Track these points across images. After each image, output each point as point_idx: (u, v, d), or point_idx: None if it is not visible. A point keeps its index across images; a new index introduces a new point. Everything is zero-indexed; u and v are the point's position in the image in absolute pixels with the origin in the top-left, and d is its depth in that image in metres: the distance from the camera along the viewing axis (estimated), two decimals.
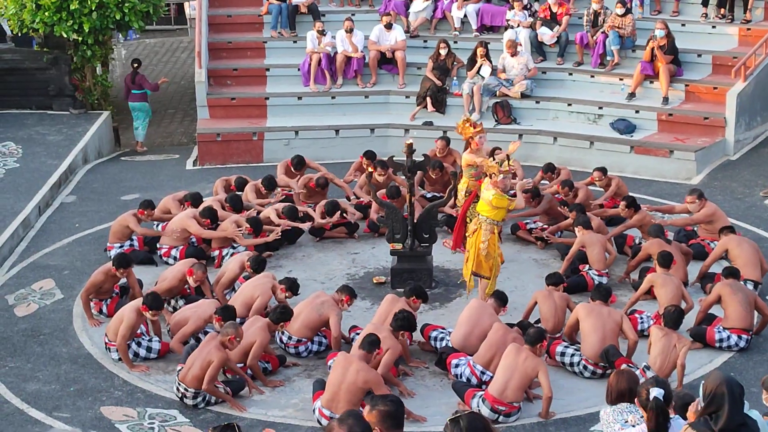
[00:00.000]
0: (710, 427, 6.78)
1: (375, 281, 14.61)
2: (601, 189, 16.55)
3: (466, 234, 13.72)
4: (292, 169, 17.16)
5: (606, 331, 11.88)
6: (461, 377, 11.73)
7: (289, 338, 12.66)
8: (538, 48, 21.42)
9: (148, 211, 15.14)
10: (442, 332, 12.60)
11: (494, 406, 10.97)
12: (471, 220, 14.04)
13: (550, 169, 16.91)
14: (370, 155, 17.08)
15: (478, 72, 20.41)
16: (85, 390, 12.09)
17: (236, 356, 11.92)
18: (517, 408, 11.22)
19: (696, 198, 15.06)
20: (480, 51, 20.41)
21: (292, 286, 13.29)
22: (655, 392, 7.32)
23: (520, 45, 20.83)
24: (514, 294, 13.78)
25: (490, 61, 20.48)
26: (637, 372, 10.88)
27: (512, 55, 20.50)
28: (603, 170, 16.51)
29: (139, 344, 12.66)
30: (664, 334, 11.49)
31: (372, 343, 11.02)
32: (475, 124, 15.23)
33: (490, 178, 13.34)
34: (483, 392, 11.22)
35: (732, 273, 12.87)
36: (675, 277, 13.05)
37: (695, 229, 15.41)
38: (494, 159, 13.96)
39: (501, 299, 12.59)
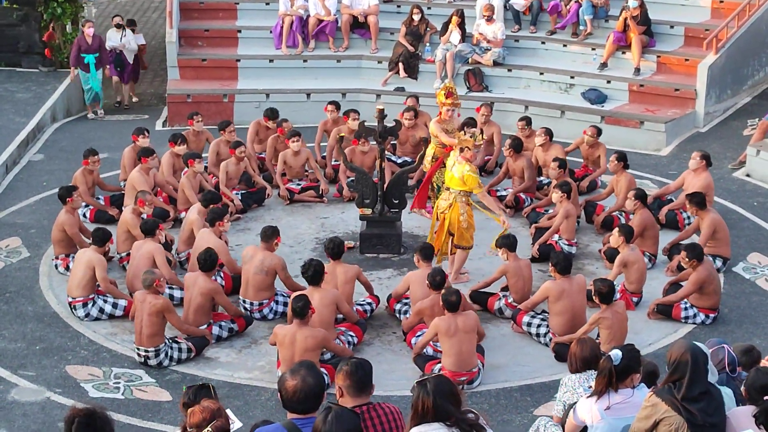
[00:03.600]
0: (673, 395, 6.84)
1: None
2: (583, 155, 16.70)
3: (438, 211, 13.44)
4: (268, 123, 17.09)
5: (575, 310, 11.85)
6: (425, 353, 11.72)
7: (251, 304, 12.66)
8: (515, 16, 21.38)
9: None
10: (406, 303, 12.60)
11: (455, 379, 10.97)
12: (438, 188, 14.07)
13: (528, 122, 16.86)
14: (335, 102, 17.45)
15: (448, 39, 20.37)
16: (50, 349, 12.06)
17: (198, 316, 12.05)
18: (477, 371, 11.29)
19: (700, 157, 14.93)
20: (455, 19, 20.37)
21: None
22: (613, 353, 7.38)
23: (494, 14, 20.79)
24: (482, 261, 13.84)
25: (463, 30, 20.44)
26: None
27: (488, 21, 20.46)
28: (598, 130, 16.52)
29: (105, 300, 12.64)
30: (610, 315, 11.28)
31: (303, 307, 10.93)
32: (451, 94, 15.08)
33: (461, 151, 13.25)
34: (441, 364, 11.24)
35: (700, 254, 12.57)
36: (641, 256, 13.12)
37: (670, 198, 15.46)
38: (465, 132, 13.93)
39: (426, 255, 12.44)
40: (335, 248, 12.43)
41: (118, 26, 21.26)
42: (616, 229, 12.98)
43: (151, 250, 12.64)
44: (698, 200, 13.75)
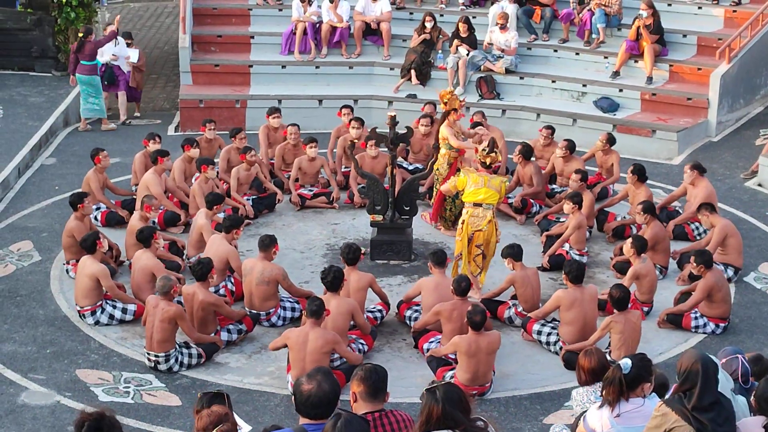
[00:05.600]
0: (684, 405, 6.82)
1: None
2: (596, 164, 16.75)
3: (472, 229, 13.17)
4: (272, 121, 17.16)
5: (587, 319, 11.84)
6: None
7: (258, 314, 12.67)
8: (528, 26, 21.35)
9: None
10: (417, 310, 12.59)
11: (466, 390, 10.93)
12: (451, 200, 14.24)
13: (552, 132, 16.84)
14: (349, 106, 17.47)
15: (456, 51, 20.37)
16: (61, 352, 12.08)
17: (204, 326, 12.11)
18: (489, 385, 11.29)
19: (689, 168, 15.02)
20: (462, 27, 20.39)
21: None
22: (623, 362, 7.36)
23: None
24: (492, 269, 13.78)
25: (472, 38, 20.44)
26: None
27: (501, 30, 20.45)
28: (609, 137, 16.57)
29: (114, 306, 12.66)
30: (623, 323, 11.29)
31: (319, 307, 11.01)
32: (459, 101, 15.16)
33: (489, 168, 13.35)
34: (454, 372, 11.22)
35: (709, 260, 12.61)
36: (653, 267, 13.10)
37: (678, 209, 15.47)
38: (479, 144, 14.04)
39: (438, 261, 12.42)
40: (352, 254, 12.42)
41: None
42: (629, 240, 12.96)
43: (150, 267, 12.58)
44: (707, 205, 13.81)
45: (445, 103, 14.89)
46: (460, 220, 13.37)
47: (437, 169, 14.92)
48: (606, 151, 16.41)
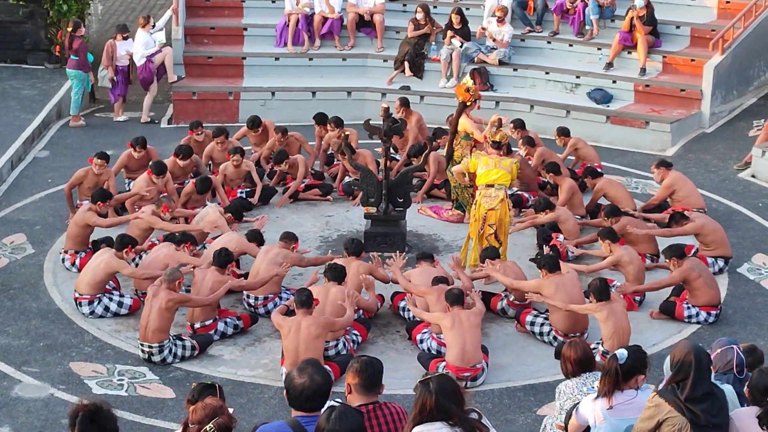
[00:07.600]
0: (677, 395, 6.84)
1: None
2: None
3: (486, 209, 13.33)
4: (252, 131, 17.14)
5: (575, 301, 11.85)
6: (430, 351, 11.78)
7: (256, 299, 12.68)
8: (523, 18, 21.33)
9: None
10: None
11: (458, 374, 10.99)
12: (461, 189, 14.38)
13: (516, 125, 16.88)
14: (320, 120, 17.18)
15: (449, 43, 20.35)
16: (54, 345, 12.07)
17: (205, 311, 12.19)
18: (482, 368, 11.30)
19: (655, 167, 15.21)
20: (455, 18, 20.38)
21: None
22: (619, 353, 7.39)
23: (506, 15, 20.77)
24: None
25: (466, 30, 20.43)
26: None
27: (499, 22, 20.43)
28: (564, 131, 16.74)
29: (110, 299, 12.66)
30: (608, 311, 11.36)
31: (308, 297, 11.21)
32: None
33: (499, 147, 13.56)
34: (446, 362, 11.27)
35: (679, 252, 12.65)
36: (636, 255, 13.10)
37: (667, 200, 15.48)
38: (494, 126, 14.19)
39: (425, 256, 12.89)
40: (355, 245, 12.80)
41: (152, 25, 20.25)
42: (599, 239, 13.09)
43: (178, 260, 12.65)
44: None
45: (471, 95, 14.82)
46: (474, 202, 13.60)
47: (461, 156, 14.89)
48: (565, 143, 16.51)
